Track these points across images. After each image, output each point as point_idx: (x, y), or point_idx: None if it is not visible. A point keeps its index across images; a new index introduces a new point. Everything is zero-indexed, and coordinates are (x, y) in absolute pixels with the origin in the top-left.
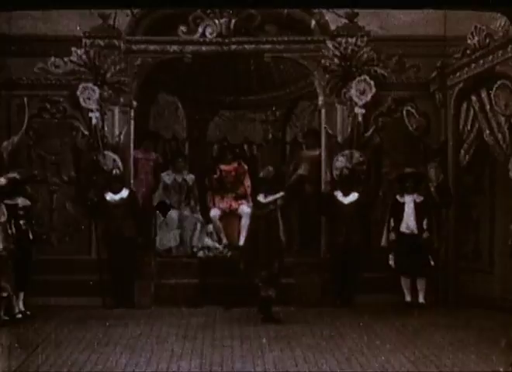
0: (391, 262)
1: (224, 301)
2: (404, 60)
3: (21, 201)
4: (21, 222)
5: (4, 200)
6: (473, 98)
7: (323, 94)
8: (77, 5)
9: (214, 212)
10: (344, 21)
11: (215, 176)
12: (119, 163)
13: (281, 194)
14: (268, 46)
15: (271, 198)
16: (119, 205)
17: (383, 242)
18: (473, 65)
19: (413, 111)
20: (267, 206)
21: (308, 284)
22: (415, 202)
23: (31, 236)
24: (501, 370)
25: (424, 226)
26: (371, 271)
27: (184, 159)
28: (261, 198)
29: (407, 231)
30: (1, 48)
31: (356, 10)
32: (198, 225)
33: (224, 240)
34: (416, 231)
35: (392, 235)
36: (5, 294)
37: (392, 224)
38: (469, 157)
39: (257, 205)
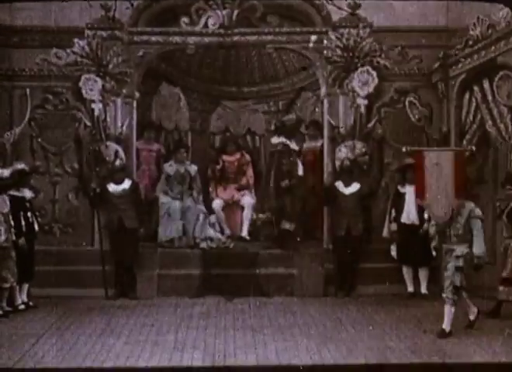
0: (393, 253)
1: (226, 292)
2: (406, 51)
3: (27, 193)
4: (28, 214)
5: (10, 191)
6: (475, 88)
7: (325, 85)
8: None
9: (217, 203)
10: (347, 12)
11: (217, 167)
12: (122, 154)
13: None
14: (270, 37)
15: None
16: (122, 196)
17: (385, 232)
18: (475, 56)
19: (416, 101)
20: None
21: (310, 274)
22: None
23: (36, 228)
24: (504, 360)
25: (425, 217)
26: (373, 262)
27: (186, 150)
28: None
29: (408, 222)
30: (3, 39)
31: (358, 1)
32: (201, 216)
33: (227, 231)
34: (417, 222)
35: (394, 226)
36: (7, 285)
37: (393, 214)
38: (472, 148)
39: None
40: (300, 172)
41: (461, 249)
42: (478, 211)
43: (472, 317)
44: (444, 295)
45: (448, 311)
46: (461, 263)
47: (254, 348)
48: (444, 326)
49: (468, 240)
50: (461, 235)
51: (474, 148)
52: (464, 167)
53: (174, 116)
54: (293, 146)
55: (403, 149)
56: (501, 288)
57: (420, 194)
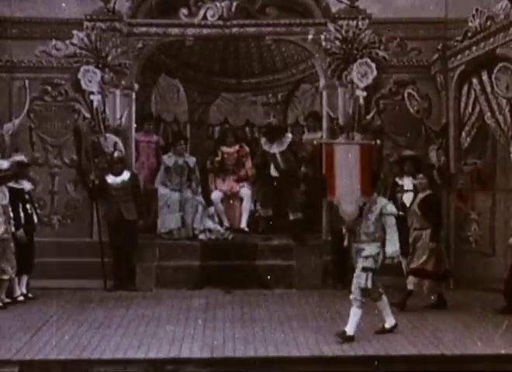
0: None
1: (225, 284)
2: (405, 43)
3: (26, 185)
4: (27, 205)
5: (9, 183)
6: (474, 80)
7: (324, 76)
8: None
9: (215, 195)
10: (346, 3)
11: (216, 158)
12: (121, 146)
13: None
14: (269, 29)
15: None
16: (121, 188)
17: None
18: (474, 48)
19: (415, 93)
20: None
21: (309, 266)
22: (414, 185)
23: (36, 220)
24: (502, 352)
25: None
26: None
27: (185, 141)
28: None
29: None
30: (2, 31)
31: None
32: (200, 208)
33: (226, 223)
34: None
35: None
36: (6, 277)
37: None
38: (470, 140)
39: None
40: (273, 172)
41: (370, 249)
42: (390, 208)
43: (387, 326)
44: (351, 297)
45: (354, 313)
46: (368, 263)
47: (252, 340)
48: (347, 329)
49: (379, 239)
50: (371, 233)
51: (379, 142)
52: (371, 161)
53: (173, 108)
54: (267, 148)
55: (314, 142)
56: (410, 279)
57: (330, 189)
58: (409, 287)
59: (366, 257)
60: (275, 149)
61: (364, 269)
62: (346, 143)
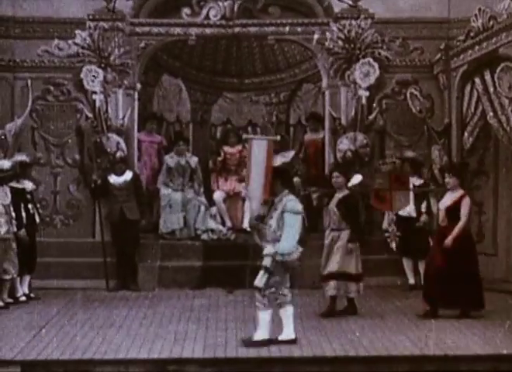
0: (392, 244)
1: (227, 284)
2: (408, 43)
3: (28, 185)
4: (29, 205)
5: (10, 183)
6: (477, 80)
7: (326, 76)
8: None
9: (218, 195)
10: (348, 3)
11: (219, 158)
12: (123, 146)
13: None
14: (271, 29)
15: None
16: (123, 188)
17: (384, 224)
18: (477, 47)
19: (417, 93)
20: None
21: (311, 266)
22: (414, 185)
23: (37, 220)
24: (504, 352)
25: (423, 209)
26: (374, 253)
27: (184, 142)
28: None
29: (405, 214)
30: (5, 30)
31: None
32: (202, 208)
33: (228, 223)
34: (414, 214)
35: (393, 218)
36: (8, 277)
37: None
38: (473, 139)
39: None
40: None
41: (269, 248)
42: (292, 205)
43: (282, 337)
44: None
45: (261, 317)
46: (265, 262)
47: None
48: (256, 334)
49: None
50: (272, 232)
51: (279, 137)
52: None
53: (176, 108)
54: None
55: (243, 137)
56: (331, 284)
57: (246, 186)
58: (330, 293)
59: (265, 256)
60: (277, 161)
61: (262, 267)
62: (258, 139)
